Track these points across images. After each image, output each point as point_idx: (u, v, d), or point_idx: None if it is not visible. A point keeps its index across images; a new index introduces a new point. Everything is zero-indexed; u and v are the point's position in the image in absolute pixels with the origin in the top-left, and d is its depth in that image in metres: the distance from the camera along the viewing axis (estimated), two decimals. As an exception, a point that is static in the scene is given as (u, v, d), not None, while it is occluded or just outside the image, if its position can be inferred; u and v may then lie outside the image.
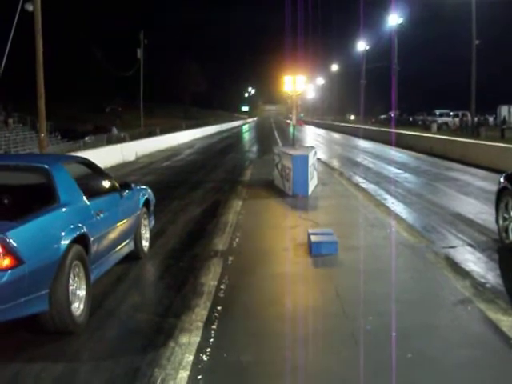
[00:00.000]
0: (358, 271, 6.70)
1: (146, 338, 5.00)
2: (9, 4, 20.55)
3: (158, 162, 25.24)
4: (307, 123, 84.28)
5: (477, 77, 34.81)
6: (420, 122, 57.19)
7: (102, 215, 6.00)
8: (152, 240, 8.22)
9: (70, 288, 5.00)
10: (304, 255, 7.58)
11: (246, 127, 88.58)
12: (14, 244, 4.41)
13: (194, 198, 13.70)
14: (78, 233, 5.23)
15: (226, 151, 32.65)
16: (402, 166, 20.45)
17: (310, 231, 8.22)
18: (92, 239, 5.58)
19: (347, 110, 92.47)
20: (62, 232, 5.03)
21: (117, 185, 7.02)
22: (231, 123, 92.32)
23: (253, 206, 11.99)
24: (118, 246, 6.66)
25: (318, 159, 18.33)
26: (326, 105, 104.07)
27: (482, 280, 6.45)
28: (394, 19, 50.57)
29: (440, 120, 52.52)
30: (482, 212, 10.61)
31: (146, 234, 7.85)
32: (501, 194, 8.13)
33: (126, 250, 7.02)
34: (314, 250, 7.55)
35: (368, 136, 41.32)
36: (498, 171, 12.05)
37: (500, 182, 8.18)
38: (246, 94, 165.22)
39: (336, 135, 52.72)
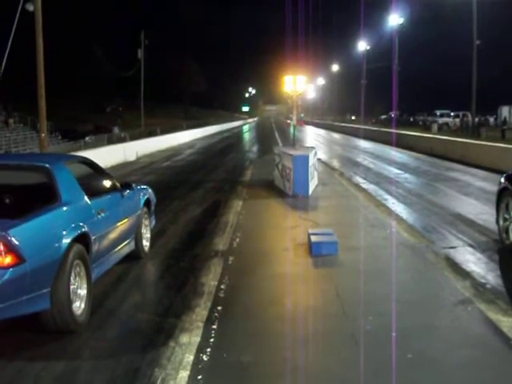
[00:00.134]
0: (358, 271, 6.71)
1: (146, 337, 5.00)
2: (9, 4, 20.55)
3: (159, 162, 25.25)
4: (307, 123, 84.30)
5: (477, 77, 34.82)
6: (420, 123, 57.20)
7: (103, 214, 6.02)
8: (152, 240, 8.22)
9: (71, 287, 5.02)
10: (304, 255, 7.58)
11: (246, 127, 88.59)
12: (16, 242, 4.43)
13: (195, 197, 13.71)
14: (79, 232, 5.24)
15: (226, 151, 32.66)
16: (403, 167, 20.45)
17: (310, 231, 8.23)
18: (93, 238, 5.59)
19: (347, 111, 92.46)
20: (64, 231, 5.05)
21: (118, 184, 7.03)
22: (232, 123, 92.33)
23: (253, 206, 12.00)
24: (118, 246, 6.67)
25: (319, 159, 18.34)
26: (327, 105, 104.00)
27: (483, 280, 6.45)
28: (394, 19, 50.57)
29: (440, 120, 52.54)
30: (482, 212, 10.61)
31: (146, 233, 7.85)
32: (501, 194, 8.13)
33: (126, 250, 7.03)
34: (314, 250, 7.56)
35: (368, 136, 41.32)
36: (499, 172, 12.05)
37: (500, 183, 8.18)
38: (247, 94, 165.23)
39: (336, 135, 52.72)
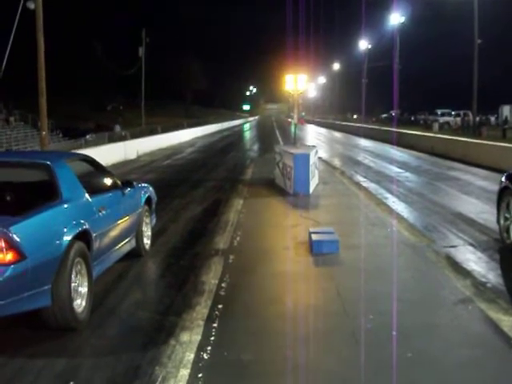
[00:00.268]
0: (358, 270, 6.71)
1: (146, 335, 5.01)
2: (10, 2, 20.55)
3: (159, 161, 25.25)
4: (308, 122, 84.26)
5: (479, 76, 34.78)
6: (421, 122, 57.23)
7: (104, 212, 6.02)
8: (153, 238, 8.23)
9: (72, 285, 5.02)
10: (305, 254, 7.58)
11: (247, 126, 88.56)
12: (17, 239, 4.44)
13: (195, 196, 13.71)
14: (80, 229, 5.25)
15: (227, 150, 32.65)
16: (403, 166, 20.45)
17: (311, 230, 8.23)
18: (94, 236, 5.59)
19: (348, 109, 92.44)
20: (65, 228, 5.05)
21: (119, 182, 7.03)
22: (232, 122, 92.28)
23: (254, 205, 12.00)
24: (119, 244, 6.67)
25: (320, 158, 18.35)
26: (327, 104, 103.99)
27: (483, 280, 6.45)
28: (395, 18, 50.55)
29: (441, 119, 52.51)
30: (483, 212, 10.61)
31: (147, 231, 7.86)
32: (502, 193, 8.13)
33: (127, 248, 7.04)
34: (314, 248, 7.55)
35: (369, 135, 41.31)
36: (500, 171, 12.05)
37: (501, 182, 8.18)
38: (248, 93, 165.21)
39: (337, 134, 52.70)
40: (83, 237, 5.34)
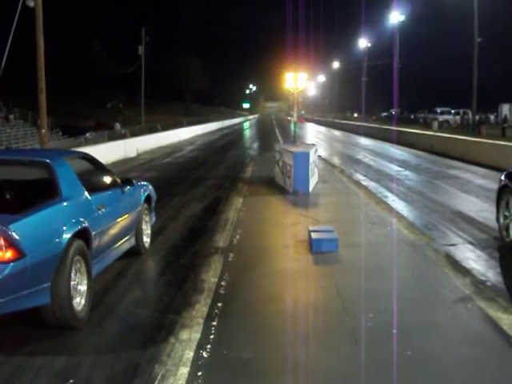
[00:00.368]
0: (358, 268, 6.71)
1: (146, 333, 5.01)
2: (10, 0, 20.52)
3: (159, 159, 25.24)
4: (308, 120, 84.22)
5: (478, 75, 34.75)
6: (421, 120, 57.20)
7: (103, 210, 6.02)
8: (153, 236, 8.23)
9: (72, 283, 5.02)
10: (304, 252, 7.58)
11: (247, 124, 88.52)
12: (16, 237, 4.44)
13: (195, 194, 13.71)
14: (79, 227, 5.25)
15: (226, 148, 32.64)
16: (403, 164, 20.44)
17: (311, 228, 8.22)
18: (93, 234, 5.59)
19: (348, 108, 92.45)
20: (64, 226, 5.05)
21: (118, 180, 7.03)
22: (232, 120, 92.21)
23: (253, 203, 12.00)
24: (119, 242, 6.67)
25: (319, 156, 18.36)
26: (327, 102, 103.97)
27: (483, 278, 6.45)
28: (395, 17, 50.53)
29: (441, 118, 52.54)
30: (482, 210, 10.61)
31: (147, 229, 7.86)
32: (501, 192, 8.13)
33: (127, 246, 7.03)
34: (314, 247, 7.55)
35: (369, 133, 41.30)
36: (499, 169, 12.03)
37: (501, 180, 8.18)
38: (248, 91, 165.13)
39: (337, 132, 52.69)
40: (83, 235, 5.34)
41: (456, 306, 5.55)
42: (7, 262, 4.40)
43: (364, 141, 37.03)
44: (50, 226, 4.98)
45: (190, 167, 21.06)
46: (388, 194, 13.18)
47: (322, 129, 62.89)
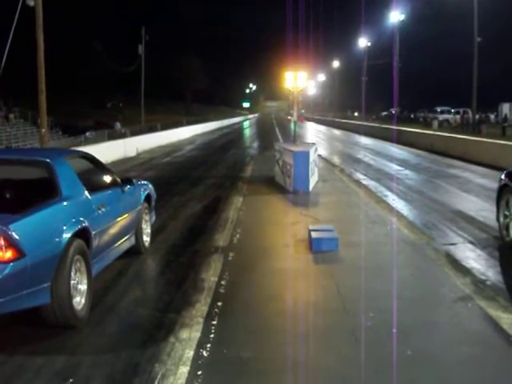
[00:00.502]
0: (358, 268, 6.71)
1: (146, 333, 5.00)
2: (10, -1, 20.51)
3: (159, 158, 25.24)
4: (308, 120, 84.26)
5: (478, 74, 34.77)
6: (421, 119, 57.22)
7: (103, 209, 6.02)
8: (153, 235, 8.23)
9: (72, 282, 5.02)
10: (304, 251, 7.58)
11: (246, 123, 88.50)
12: (16, 237, 4.44)
13: (195, 193, 13.70)
14: (79, 226, 5.24)
15: (226, 147, 32.64)
16: (403, 163, 20.44)
17: (311, 227, 8.22)
18: (93, 233, 5.59)
19: (348, 107, 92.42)
20: (64, 226, 5.05)
21: (118, 180, 7.03)
22: (232, 119, 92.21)
23: (253, 203, 12.00)
24: (119, 241, 6.67)
25: (319, 156, 18.36)
26: (327, 101, 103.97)
27: (483, 277, 6.45)
28: (395, 16, 50.53)
29: (441, 117, 52.54)
30: (482, 209, 10.61)
31: (147, 229, 7.85)
32: (501, 191, 8.13)
33: (126, 245, 7.03)
34: (314, 246, 7.55)
35: (369, 133, 41.30)
36: (499, 169, 12.03)
37: (501, 180, 8.18)
38: (248, 91, 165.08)
39: (337, 132, 52.69)
40: (82, 234, 5.33)
41: (456, 305, 5.55)
42: (7, 262, 4.40)
43: (364, 140, 37.04)
44: (49, 225, 4.98)
45: (189, 166, 21.06)
46: (388, 193, 13.18)
47: (322, 128, 62.88)
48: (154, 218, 8.37)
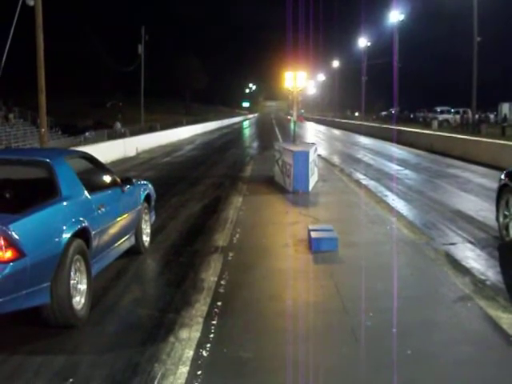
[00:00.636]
0: (358, 267, 6.71)
1: (146, 332, 5.00)
2: (10, -1, 20.50)
3: (159, 158, 25.23)
4: (308, 119, 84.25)
5: (478, 74, 34.73)
6: (421, 119, 57.22)
7: (103, 209, 6.01)
8: (153, 235, 8.23)
9: (71, 282, 5.02)
10: (304, 251, 7.58)
11: (246, 123, 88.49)
12: (16, 237, 4.44)
13: (195, 193, 13.70)
14: (79, 226, 5.25)
15: (226, 147, 32.63)
16: (403, 163, 20.44)
17: (311, 227, 8.22)
18: (93, 233, 5.59)
19: (348, 107, 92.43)
20: (64, 226, 5.05)
21: (118, 179, 7.03)
22: (232, 119, 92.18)
23: (253, 202, 12.00)
24: (118, 241, 6.67)
25: (319, 155, 18.35)
26: (327, 101, 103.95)
27: (482, 277, 6.46)
28: (395, 16, 50.54)
29: (441, 117, 52.53)
30: (482, 209, 10.62)
31: (146, 228, 7.86)
32: (501, 191, 8.13)
33: (126, 245, 7.03)
34: (314, 246, 7.55)
35: (368, 132, 41.31)
36: (499, 168, 12.04)
37: (500, 179, 8.18)
38: (247, 90, 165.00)
39: (336, 131, 52.70)
40: (82, 234, 5.34)
41: (455, 305, 5.55)
42: (7, 262, 4.40)
43: (364, 140, 37.04)
44: (49, 225, 4.98)
45: (189, 166, 21.06)
46: (388, 193, 13.19)
47: (322, 128, 62.88)
48: (153, 217, 8.37)
